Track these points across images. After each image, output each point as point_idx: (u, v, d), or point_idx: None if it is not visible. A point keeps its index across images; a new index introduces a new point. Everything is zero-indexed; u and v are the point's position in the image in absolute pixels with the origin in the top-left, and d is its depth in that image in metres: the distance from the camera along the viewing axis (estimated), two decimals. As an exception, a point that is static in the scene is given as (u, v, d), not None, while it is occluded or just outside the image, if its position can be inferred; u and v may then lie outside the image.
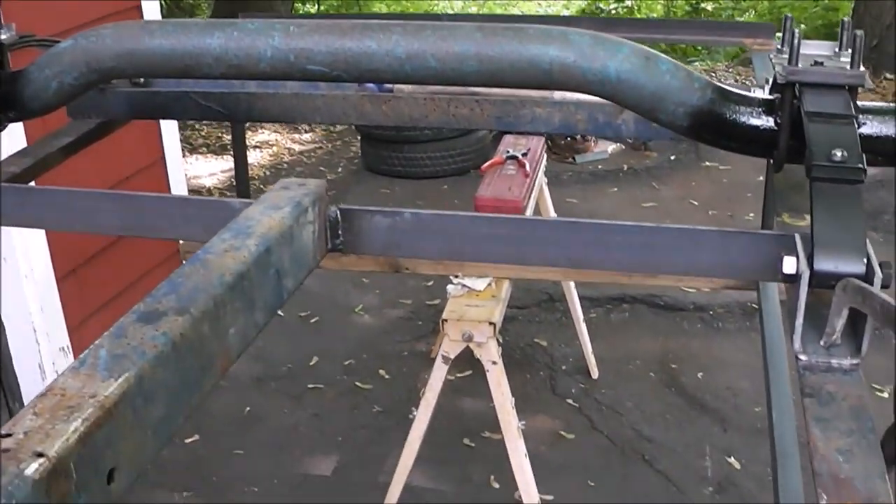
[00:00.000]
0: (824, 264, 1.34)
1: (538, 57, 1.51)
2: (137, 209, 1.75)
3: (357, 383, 5.56)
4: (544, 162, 4.91)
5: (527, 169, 4.38)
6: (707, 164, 9.07)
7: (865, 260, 1.34)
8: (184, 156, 9.19)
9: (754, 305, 6.19)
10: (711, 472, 4.77)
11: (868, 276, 1.32)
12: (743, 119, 1.60)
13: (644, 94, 1.53)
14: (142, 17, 5.13)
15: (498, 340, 3.54)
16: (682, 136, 1.64)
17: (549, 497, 4.47)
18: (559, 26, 1.56)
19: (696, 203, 8.21)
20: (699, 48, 13.51)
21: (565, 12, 19.62)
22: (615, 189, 8.58)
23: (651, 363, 5.76)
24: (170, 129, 5.56)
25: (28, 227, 1.85)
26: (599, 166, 9.13)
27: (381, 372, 5.64)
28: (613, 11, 18.40)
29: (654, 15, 18.30)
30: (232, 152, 9.73)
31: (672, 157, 9.23)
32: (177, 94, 2.35)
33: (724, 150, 1.69)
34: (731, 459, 4.85)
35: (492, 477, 4.64)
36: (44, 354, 4.47)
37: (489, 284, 3.57)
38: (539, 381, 5.56)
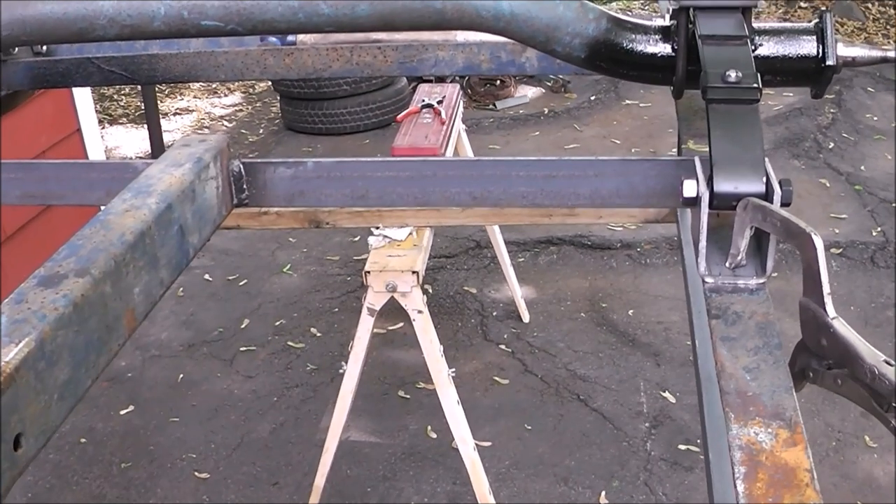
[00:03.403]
0: (724, 185, 1.35)
1: None
2: (38, 177, 1.73)
3: (289, 343, 5.54)
4: (461, 109, 4.90)
5: (442, 116, 4.38)
6: (627, 102, 9.13)
7: (765, 179, 1.34)
8: (104, 127, 9.10)
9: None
10: (647, 407, 4.83)
11: (768, 195, 1.34)
12: (639, 47, 1.59)
13: (538, 28, 1.52)
14: None
15: (425, 290, 3.53)
16: (582, 68, 1.64)
17: (487, 443, 4.50)
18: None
19: (617, 141, 8.26)
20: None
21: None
22: (537, 133, 8.60)
23: (581, 303, 5.79)
24: (84, 101, 5.49)
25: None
26: (521, 111, 9.15)
27: (313, 330, 5.62)
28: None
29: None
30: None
31: (592, 98, 9.27)
32: (79, 60, 2.32)
33: (624, 80, 1.69)
34: (666, 393, 4.90)
35: (428, 427, 4.65)
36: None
37: (410, 234, 3.55)
38: (470, 328, 5.57)
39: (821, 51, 1.56)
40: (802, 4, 11.53)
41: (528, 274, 6.07)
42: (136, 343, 5.61)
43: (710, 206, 1.36)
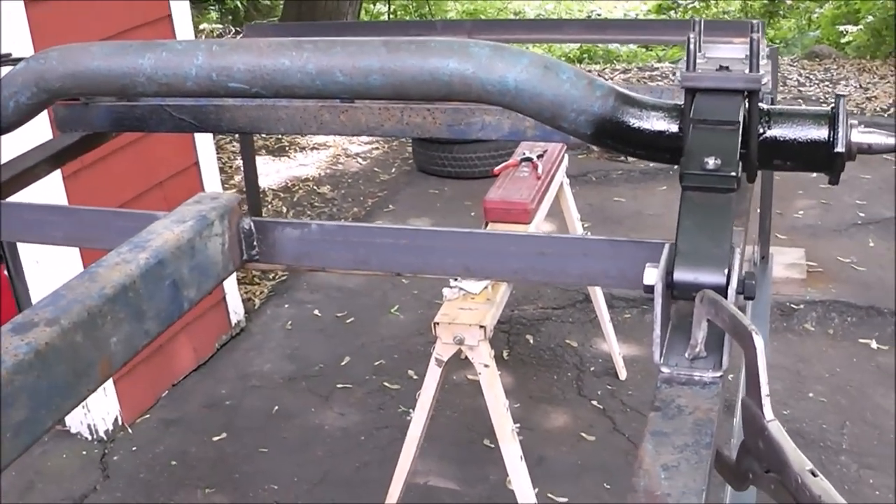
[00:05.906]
0: (684, 275, 1.35)
1: (439, 69, 1.53)
2: (78, 222, 1.83)
3: (385, 383, 5.62)
4: (565, 163, 4.91)
5: (539, 171, 4.41)
6: (759, 162, 8.99)
7: (726, 271, 1.34)
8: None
9: (793, 305, 6.18)
10: (733, 475, 4.74)
11: (729, 288, 1.33)
12: (647, 126, 1.57)
13: (543, 103, 1.54)
14: (172, 26, 5.24)
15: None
16: (590, 144, 1.66)
17: (564, 499, 4.51)
18: (463, 39, 1.60)
19: (743, 202, 8.14)
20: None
21: (643, 7, 19.67)
22: (664, 188, 8.53)
23: (682, 363, 5.72)
24: (204, 137, 5.67)
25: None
26: (651, 165, 9.09)
27: (410, 372, 5.68)
28: (690, 6, 18.37)
29: (732, 9, 18.23)
30: (290, 154, 9.91)
31: (725, 156, 9.15)
32: (153, 107, 2.43)
33: (633, 157, 1.69)
34: (755, 463, 4.81)
35: (508, 478, 4.65)
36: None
37: (485, 288, 3.58)
38: (566, 381, 5.56)
39: (831, 136, 1.50)
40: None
41: (634, 331, 6.02)
42: (239, 372, 5.77)
43: (672, 294, 1.37)
